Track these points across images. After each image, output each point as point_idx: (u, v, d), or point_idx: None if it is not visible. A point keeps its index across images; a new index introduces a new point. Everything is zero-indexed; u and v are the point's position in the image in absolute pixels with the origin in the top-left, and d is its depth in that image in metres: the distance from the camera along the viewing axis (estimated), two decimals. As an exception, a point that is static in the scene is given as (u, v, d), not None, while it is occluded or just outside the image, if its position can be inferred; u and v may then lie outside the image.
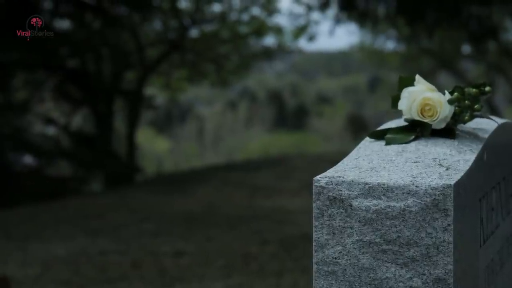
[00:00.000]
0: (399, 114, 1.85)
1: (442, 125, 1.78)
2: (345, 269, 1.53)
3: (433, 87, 1.81)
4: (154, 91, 16.34)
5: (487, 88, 1.82)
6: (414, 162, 1.62)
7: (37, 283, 4.95)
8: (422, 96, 1.77)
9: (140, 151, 16.73)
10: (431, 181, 1.50)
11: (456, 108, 1.80)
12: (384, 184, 1.51)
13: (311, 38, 16.35)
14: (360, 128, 27.51)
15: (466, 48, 18.20)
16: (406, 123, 1.81)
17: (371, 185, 1.51)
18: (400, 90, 1.83)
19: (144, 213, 7.37)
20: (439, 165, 1.59)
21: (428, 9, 10.75)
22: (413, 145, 1.72)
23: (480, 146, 1.75)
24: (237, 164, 12.37)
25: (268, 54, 16.74)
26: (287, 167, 10.38)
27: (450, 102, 1.78)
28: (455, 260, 1.49)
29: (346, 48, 27.17)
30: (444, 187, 1.47)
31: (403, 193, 1.49)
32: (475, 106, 1.81)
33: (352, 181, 1.53)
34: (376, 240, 1.50)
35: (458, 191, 1.50)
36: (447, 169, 1.57)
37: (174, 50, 14.43)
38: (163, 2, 13.79)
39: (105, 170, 12.40)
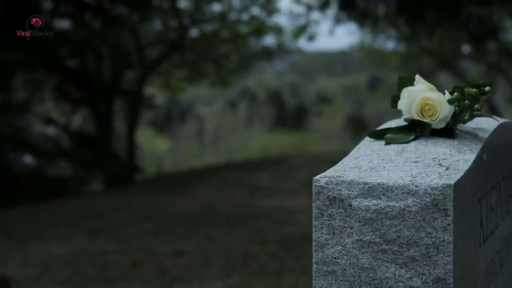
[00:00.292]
0: (399, 114, 1.85)
1: (442, 125, 1.78)
2: (345, 269, 1.53)
3: (433, 87, 1.81)
4: (154, 91, 16.34)
5: (487, 88, 1.82)
6: (414, 162, 1.62)
7: (37, 283, 4.95)
8: (422, 96, 1.77)
9: (140, 151, 16.73)
10: (430, 181, 1.50)
11: (456, 108, 1.80)
12: (384, 184, 1.51)
13: (311, 38, 16.35)
14: (360, 128, 27.52)
15: (466, 48, 18.20)
16: (406, 123, 1.81)
17: (371, 185, 1.51)
18: (399, 90, 1.83)
19: (144, 213, 7.37)
20: (439, 165, 1.59)
21: (428, 9, 10.75)
22: (413, 145, 1.72)
23: (480, 146, 1.75)
24: (237, 164, 12.37)
25: (268, 54, 16.74)
26: (287, 167, 10.38)
27: (450, 102, 1.78)
28: (455, 260, 1.49)
29: (346, 48, 27.22)
30: (444, 187, 1.47)
31: (402, 193, 1.49)
32: (475, 106, 1.81)
33: (352, 181, 1.53)
34: (376, 240, 1.50)
35: (458, 191, 1.50)
36: (447, 169, 1.57)
37: (174, 50, 14.43)
38: (163, 2, 13.79)
39: (105, 170, 12.40)
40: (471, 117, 1.82)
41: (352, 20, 12.72)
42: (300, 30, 16.20)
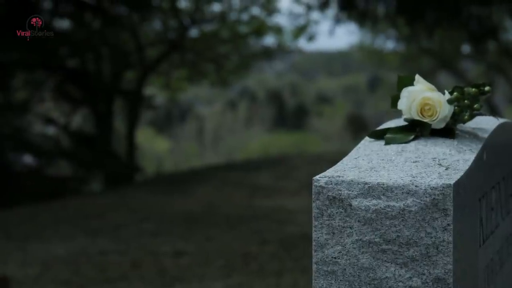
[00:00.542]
0: (398, 114, 1.85)
1: (442, 125, 1.78)
2: (345, 269, 1.53)
3: (432, 86, 1.81)
4: (154, 91, 16.35)
5: (487, 88, 1.82)
6: (413, 161, 1.62)
7: (37, 283, 4.95)
8: (421, 96, 1.77)
9: (140, 151, 16.72)
10: (430, 180, 1.50)
11: (456, 108, 1.80)
12: (383, 184, 1.51)
13: (311, 38, 16.36)
14: (360, 128, 27.52)
15: (466, 48, 18.20)
16: (405, 123, 1.81)
17: (370, 184, 1.51)
18: (399, 89, 1.83)
19: (144, 213, 7.37)
20: (439, 164, 1.59)
21: (428, 9, 10.74)
22: (412, 145, 1.72)
23: (479, 146, 1.75)
24: (237, 164, 12.37)
25: (268, 54, 16.74)
26: (287, 167, 10.38)
27: (449, 101, 1.78)
28: (455, 260, 1.49)
29: (346, 48, 27.23)
30: (443, 187, 1.47)
31: (402, 192, 1.49)
32: (475, 106, 1.81)
33: (352, 180, 1.53)
34: (376, 240, 1.50)
35: (457, 191, 1.50)
36: (446, 169, 1.57)
37: (174, 50, 14.44)
38: (162, 2, 13.79)
39: (105, 170, 12.40)
40: (471, 117, 1.82)
41: (352, 20, 12.72)
42: (300, 30, 16.21)
